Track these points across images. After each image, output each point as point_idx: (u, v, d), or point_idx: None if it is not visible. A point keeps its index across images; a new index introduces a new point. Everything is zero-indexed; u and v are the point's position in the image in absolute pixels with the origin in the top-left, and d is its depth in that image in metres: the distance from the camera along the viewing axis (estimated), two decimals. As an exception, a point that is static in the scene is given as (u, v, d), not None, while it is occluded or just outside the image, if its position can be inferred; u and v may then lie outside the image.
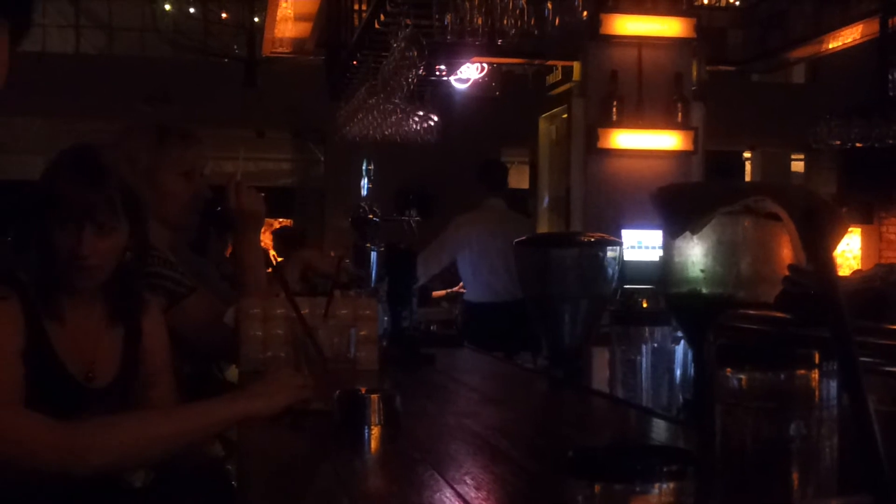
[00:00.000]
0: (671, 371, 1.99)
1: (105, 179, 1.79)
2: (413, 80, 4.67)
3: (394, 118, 5.68)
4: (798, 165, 11.63)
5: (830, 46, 6.35)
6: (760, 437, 0.92)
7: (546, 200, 6.33)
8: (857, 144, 6.36)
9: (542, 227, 6.20)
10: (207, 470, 2.11)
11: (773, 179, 10.86)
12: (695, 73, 5.68)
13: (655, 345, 1.99)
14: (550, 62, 5.82)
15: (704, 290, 1.59)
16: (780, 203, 1.25)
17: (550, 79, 6.06)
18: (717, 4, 7.17)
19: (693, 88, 5.59)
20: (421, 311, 3.13)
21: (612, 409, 2.01)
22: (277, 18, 8.44)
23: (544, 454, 1.54)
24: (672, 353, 1.99)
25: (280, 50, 9.09)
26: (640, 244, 4.74)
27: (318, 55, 8.36)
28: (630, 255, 4.46)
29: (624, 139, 5.36)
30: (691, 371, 1.79)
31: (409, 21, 4.48)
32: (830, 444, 0.93)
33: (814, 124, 6.52)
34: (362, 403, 1.60)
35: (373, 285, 2.73)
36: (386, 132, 5.88)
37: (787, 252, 1.47)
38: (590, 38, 5.32)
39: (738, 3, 7.23)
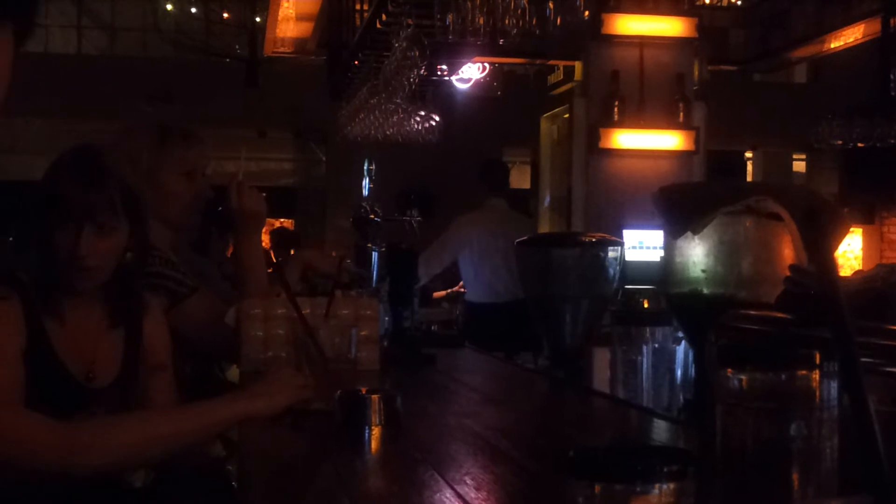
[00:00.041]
0: (672, 371, 1.99)
1: (105, 180, 1.79)
2: (415, 79, 4.66)
3: (395, 118, 5.67)
4: (800, 165, 11.64)
5: (832, 46, 6.35)
6: (761, 438, 0.92)
7: (547, 200, 6.32)
8: (859, 144, 6.36)
9: (544, 227, 6.19)
10: (208, 470, 2.11)
11: (775, 179, 10.88)
12: (696, 73, 5.67)
13: (656, 345, 1.98)
14: (552, 62, 5.81)
15: (706, 291, 1.59)
16: (782, 203, 1.24)
17: (552, 79, 6.05)
18: (719, 4, 7.16)
19: (695, 88, 5.58)
20: (422, 312, 3.13)
21: (612, 409, 2.01)
22: (279, 18, 8.43)
23: (545, 454, 1.54)
24: (673, 354, 1.99)
25: (282, 50, 9.09)
26: (642, 244, 4.74)
27: (319, 55, 8.36)
28: (631, 255, 4.45)
29: (625, 139, 5.35)
30: (692, 371, 1.79)
31: (410, 21, 4.48)
32: (831, 444, 0.93)
33: (815, 124, 6.52)
34: (363, 404, 1.59)
35: (374, 285, 2.73)
36: (387, 132, 5.88)
37: (788, 252, 1.47)
38: (591, 38, 5.31)
39: (739, 2, 7.21)
